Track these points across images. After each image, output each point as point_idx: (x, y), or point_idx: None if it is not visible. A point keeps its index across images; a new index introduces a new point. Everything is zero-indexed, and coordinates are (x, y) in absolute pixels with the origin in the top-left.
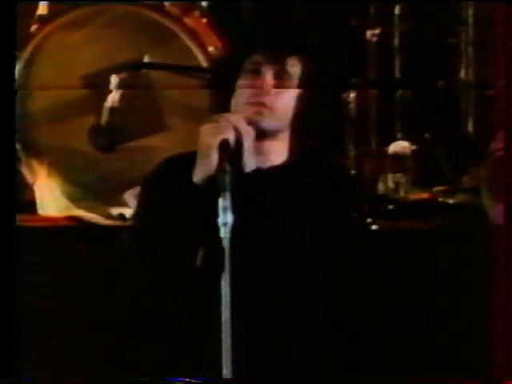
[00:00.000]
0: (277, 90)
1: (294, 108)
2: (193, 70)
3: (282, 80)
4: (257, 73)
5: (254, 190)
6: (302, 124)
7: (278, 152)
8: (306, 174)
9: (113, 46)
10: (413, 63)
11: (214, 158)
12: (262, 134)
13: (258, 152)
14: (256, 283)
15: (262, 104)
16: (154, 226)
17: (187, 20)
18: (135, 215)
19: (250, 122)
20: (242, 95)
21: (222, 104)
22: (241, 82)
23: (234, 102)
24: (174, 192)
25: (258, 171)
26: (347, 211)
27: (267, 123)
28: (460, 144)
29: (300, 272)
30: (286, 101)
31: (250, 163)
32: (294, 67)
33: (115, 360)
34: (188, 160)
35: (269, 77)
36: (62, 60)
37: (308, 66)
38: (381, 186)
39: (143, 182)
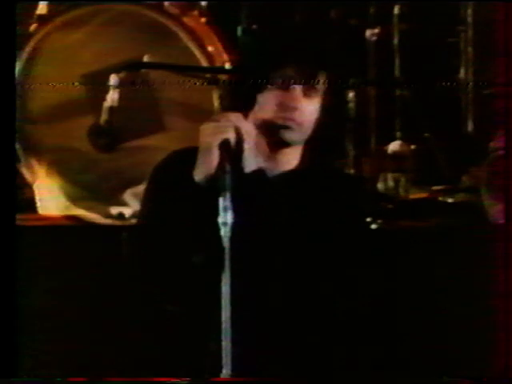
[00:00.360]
0: (304, 104)
1: (317, 120)
2: (192, 70)
3: (310, 95)
4: (286, 87)
5: (256, 190)
6: (321, 134)
7: (290, 158)
8: (309, 175)
9: (112, 45)
10: (412, 63)
11: (215, 157)
12: (282, 145)
13: (272, 158)
14: (256, 283)
15: (292, 119)
16: (155, 225)
17: (186, 19)
18: (141, 214)
19: (277, 133)
20: (269, 108)
21: (234, 106)
22: (269, 94)
23: (260, 114)
24: (176, 191)
25: (260, 171)
26: (348, 211)
27: (294, 137)
28: (459, 143)
29: (300, 272)
30: (312, 115)
31: (250, 163)
32: (321, 82)
33: (115, 359)
34: (192, 156)
35: (299, 92)
36: (61, 59)
37: (333, 80)
38: (380, 186)
39: (148, 179)
